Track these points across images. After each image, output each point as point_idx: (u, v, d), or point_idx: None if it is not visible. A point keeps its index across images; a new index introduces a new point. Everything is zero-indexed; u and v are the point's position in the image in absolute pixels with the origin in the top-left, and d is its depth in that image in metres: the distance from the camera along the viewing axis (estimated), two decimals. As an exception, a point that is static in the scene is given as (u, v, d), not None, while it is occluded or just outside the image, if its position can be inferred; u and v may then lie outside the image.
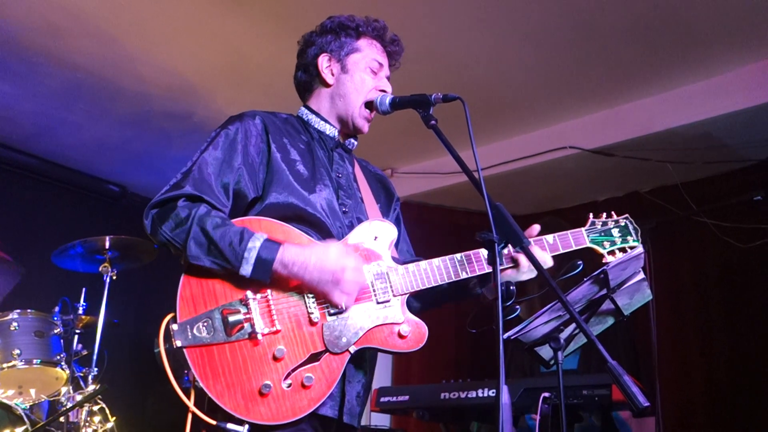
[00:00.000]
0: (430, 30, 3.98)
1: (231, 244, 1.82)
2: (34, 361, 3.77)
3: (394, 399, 3.54)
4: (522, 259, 2.08)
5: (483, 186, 1.81)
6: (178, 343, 1.78)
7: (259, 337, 1.82)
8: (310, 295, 1.90)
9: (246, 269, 1.82)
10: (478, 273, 2.06)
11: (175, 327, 1.80)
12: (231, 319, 1.82)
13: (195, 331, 1.80)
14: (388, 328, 1.94)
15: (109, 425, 3.78)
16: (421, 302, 2.26)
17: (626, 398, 1.58)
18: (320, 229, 2.02)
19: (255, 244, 1.82)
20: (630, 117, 4.63)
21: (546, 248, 2.15)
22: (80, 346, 4.11)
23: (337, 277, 1.84)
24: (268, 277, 1.83)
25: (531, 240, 2.09)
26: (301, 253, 1.85)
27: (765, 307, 4.51)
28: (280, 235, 1.92)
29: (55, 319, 3.97)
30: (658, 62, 4.21)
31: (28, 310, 3.89)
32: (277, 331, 1.84)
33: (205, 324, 1.81)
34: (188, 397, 1.78)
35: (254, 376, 1.80)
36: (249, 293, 1.85)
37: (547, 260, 2.12)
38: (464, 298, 2.25)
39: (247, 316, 1.83)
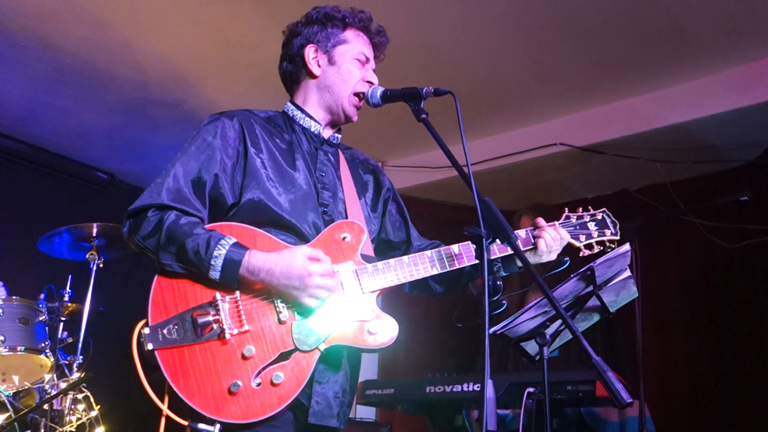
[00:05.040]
0: (420, 24, 3.97)
1: (198, 252, 1.84)
2: (18, 348, 3.74)
3: (380, 392, 3.54)
4: (540, 242, 2.13)
5: (472, 181, 1.81)
6: (150, 346, 1.80)
7: (228, 336, 1.84)
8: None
9: (214, 275, 1.85)
10: (449, 269, 2.07)
11: (146, 331, 1.82)
12: (200, 320, 1.84)
13: (165, 333, 1.82)
14: (358, 326, 1.95)
15: (93, 413, 3.76)
16: (444, 286, 2.30)
17: (609, 394, 1.59)
18: (294, 232, 2.02)
19: (221, 252, 1.84)
20: (620, 115, 4.64)
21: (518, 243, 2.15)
22: (66, 333, 4.08)
23: (305, 283, 1.85)
24: (235, 282, 1.86)
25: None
26: (267, 259, 1.86)
27: (747, 306, 4.56)
28: (248, 242, 1.92)
29: (40, 306, 3.95)
30: (649, 61, 4.23)
31: (13, 297, 3.85)
32: (245, 332, 1.86)
33: (176, 326, 1.84)
34: (162, 400, 1.79)
35: (224, 375, 1.82)
36: (218, 295, 1.87)
37: (564, 236, 2.19)
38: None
39: (216, 317, 1.85)
